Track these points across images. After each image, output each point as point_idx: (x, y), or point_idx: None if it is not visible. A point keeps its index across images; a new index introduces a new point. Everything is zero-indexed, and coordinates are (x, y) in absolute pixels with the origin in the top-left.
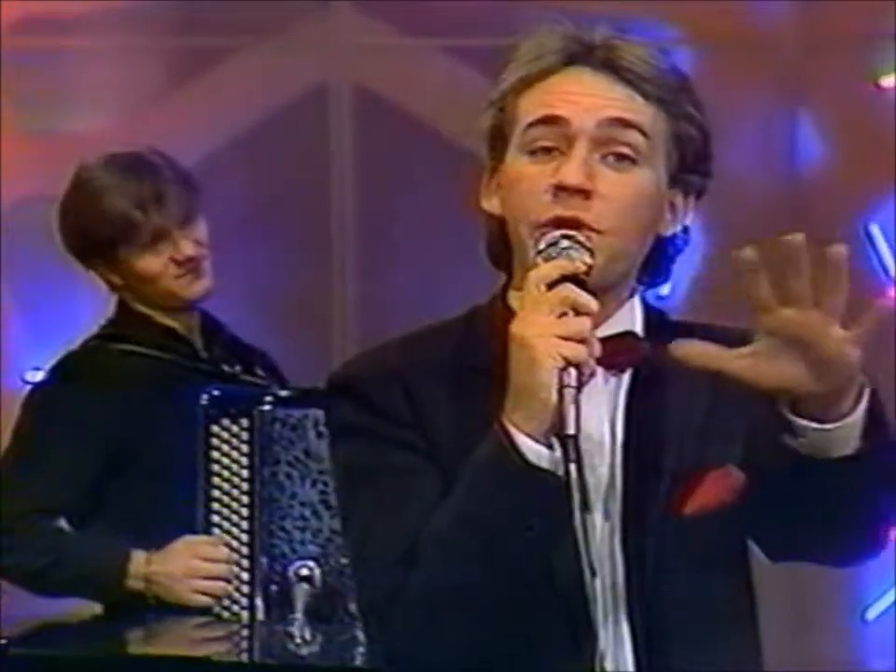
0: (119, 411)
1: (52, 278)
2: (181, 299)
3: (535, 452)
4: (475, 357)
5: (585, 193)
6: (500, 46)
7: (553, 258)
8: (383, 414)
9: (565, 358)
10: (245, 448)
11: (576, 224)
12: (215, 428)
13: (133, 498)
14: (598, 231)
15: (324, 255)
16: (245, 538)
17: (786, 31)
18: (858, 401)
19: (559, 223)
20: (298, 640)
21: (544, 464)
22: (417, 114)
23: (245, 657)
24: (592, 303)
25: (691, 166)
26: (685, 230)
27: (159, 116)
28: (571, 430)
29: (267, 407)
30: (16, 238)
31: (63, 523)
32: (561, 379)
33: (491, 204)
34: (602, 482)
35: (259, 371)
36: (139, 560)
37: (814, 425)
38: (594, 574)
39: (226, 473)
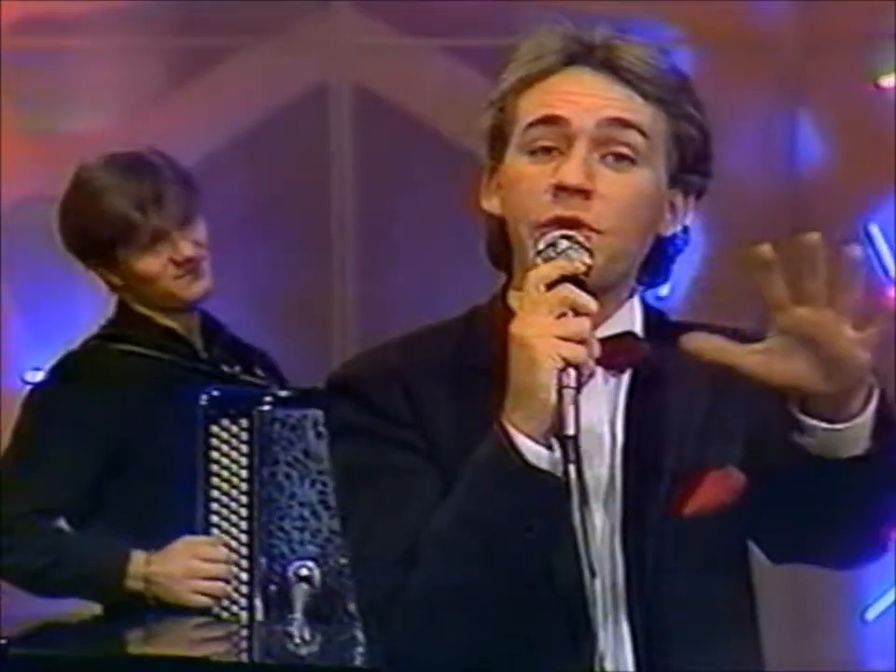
0: (119, 411)
1: (52, 278)
2: (180, 299)
3: (534, 452)
4: (475, 357)
5: (585, 193)
6: (500, 46)
7: (553, 258)
8: (382, 414)
9: (564, 359)
10: (244, 448)
11: (576, 224)
12: (214, 429)
13: (133, 499)
14: (598, 231)
15: (324, 255)
16: (244, 538)
17: (786, 31)
18: (867, 402)
19: (559, 223)
20: (297, 640)
21: (544, 464)
22: (417, 114)
23: (244, 657)
24: (591, 304)
25: (691, 166)
26: (685, 230)
27: (159, 116)
28: (571, 431)
29: (266, 407)
30: (16, 238)
31: (62, 523)
32: (560, 379)
33: (491, 204)
34: (602, 482)
35: (259, 372)
36: (138, 560)
37: (823, 424)
38: (593, 575)
39: (225, 473)
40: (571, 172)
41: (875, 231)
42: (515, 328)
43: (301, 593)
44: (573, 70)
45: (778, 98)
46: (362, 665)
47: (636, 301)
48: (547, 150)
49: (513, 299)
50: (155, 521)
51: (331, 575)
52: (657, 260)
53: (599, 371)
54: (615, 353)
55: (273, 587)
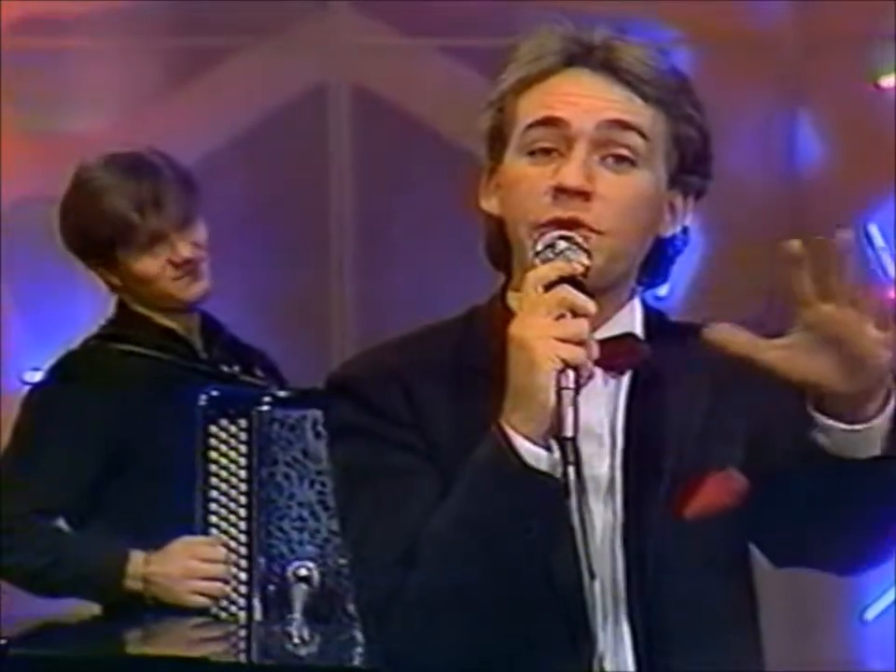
0: (119, 411)
1: (52, 278)
2: (178, 300)
3: (533, 454)
4: (474, 357)
5: (585, 195)
6: (500, 46)
7: (551, 259)
8: (381, 415)
9: (563, 360)
10: (243, 448)
11: (574, 225)
12: (213, 429)
13: (132, 498)
14: (598, 232)
15: (322, 255)
16: (243, 538)
17: (785, 31)
18: (885, 404)
19: (558, 224)
20: (296, 641)
21: (543, 466)
22: (416, 114)
23: (243, 657)
24: (589, 305)
25: (690, 167)
26: (685, 230)
27: (158, 116)
28: (569, 432)
29: (265, 407)
30: (16, 238)
31: (61, 523)
32: (559, 381)
33: (490, 205)
34: (602, 483)
35: (259, 372)
36: (137, 560)
37: (841, 425)
38: (592, 576)
39: (224, 474)
40: (571, 174)
41: (873, 230)
42: (514, 329)
43: (299, 593)
44: (573, 71)
45: (778, 98)
46: (361, 666)
47: (636, 302)
48: (546, 152)
49: (512, 299)
50: (154, 521)
51: (330, 575)
52: (656, 261)
53: (599, 372)
54: (615, 354)
55: (271, 587)
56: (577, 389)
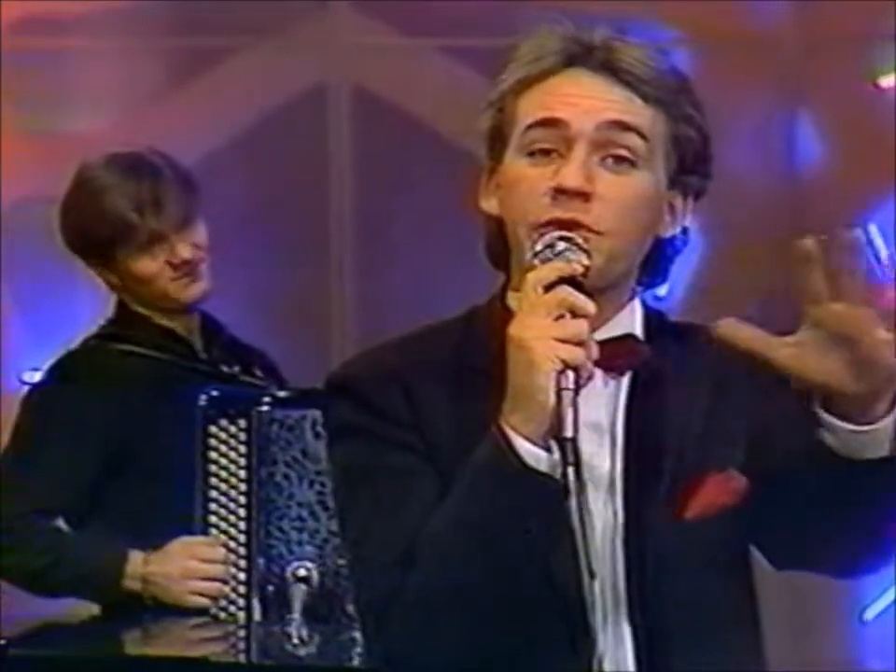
0: (118, 411)
1: (52, 278)
2: (177, 301)
3: (533, 455)
4: (474, 357)
5: (584, 196)
6: (499, 46)
7: (550, 259)
8: (381, 415)
9: (563, 361)
10: (242, 449)
11: (574, 226)
12: (213, 429)
13: (132, 499)
14: (597, 233)
15: (322, 255)
16: (242, 538)
17: (785, 31)
18: (893, 405)
19: (558, 225)
20: (295, 641)
21: (542, 467)
22: (416, 114)
23: (242, 658)
24: (589, 305)
25: (690, 168)
26: (684, 231)
27: (158, 116)
28: (569, 433)
29: (265, 408)
30: (16, 238)
31: (61, 523)
32: (559, 382)
33: (489, 205)
34: (602, 484)
35: (258, 372)
36: (136, 560)
37: (849, 426)
38: (592, 576)
39: (223, 474)
40: (571, 175)
41: (873, 230)
42: (513, 329)
43: (299, 593)
44: (572, 72)
45: (778, 98)
46: (360, 666)
47: (636, 302)
48: (546, 152)
49: (512, 299)
50: (154, 521)
51: (329, 576)
52: (656, 261)
53: (599, 373)
54: (615, 355)
55: (270, 587)
56: (576, 390)
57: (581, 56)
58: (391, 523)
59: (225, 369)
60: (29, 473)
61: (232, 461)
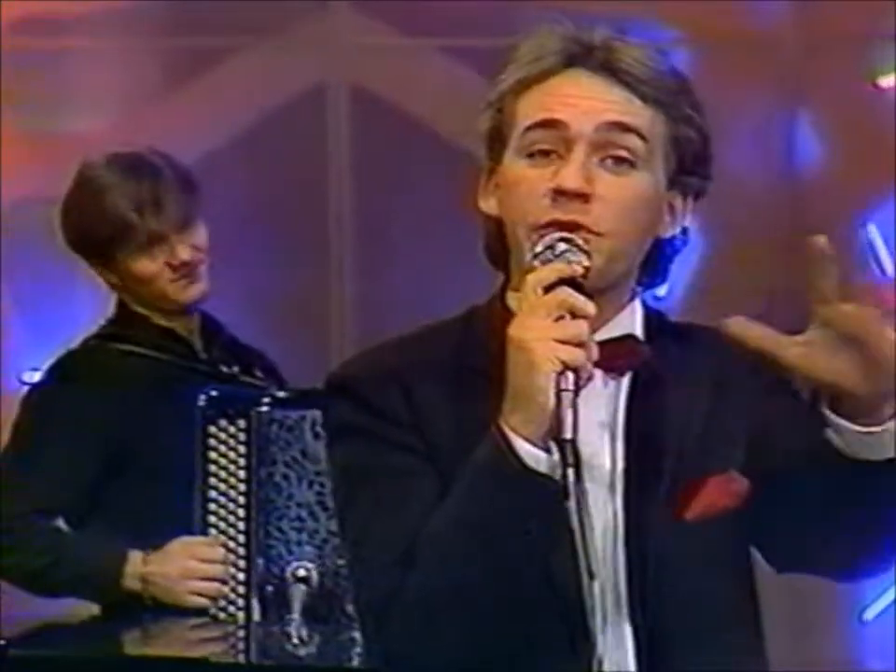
0: (118, 411)
1: (52, 278)
2: (176, 302)
3: (532, 456)
4: (474, 357)
5: (584, 197)
6: (499, 46)
7: (550, 261)
8: (380, 415)
9: (562, 362)
10: (242, 449)
11: (574, 227)
12: (212, 429)
13: (131, 498)
14: (597, 234)
15: (322, 255)
16: (241, 538)
17: (785, 31)
18: None
19: (558, 226)
20: (295, 641)
21: (542, 468)
22: (415, 114)
23: (241, 658)
24: (589, 306)
25: (689, 168)
26: (684, 231)
27: (158, 116)
28: (569, 434)
29: (264, 408)
30: (16, 238)
31: (61, 523)
32: (558, 383)
33: (489, 205)
34: (602, 485)
35: (258, 373)
36: (136, 560)
37: (856, 427)
38: (592, 577)
39: (223, 474)
40: (570, 176)
41: (872, 230)
42: (513, 330)
43: (298, 593)
44: (572, 72)
45: (778, 98)
46: (360, 666)
47: (636, 303)
48: (545, 154)
49: (512, 299)
50: (153, 521)
51: (329, 576)
52: (655, 262)
53: (599, 373)
54: (615, 356)
55: (270, 588)
56: (576, 391)
57: (581, 56)
58: (391, 523)
59: (225, 369)
60: (29, 473)
61: (232, 461)
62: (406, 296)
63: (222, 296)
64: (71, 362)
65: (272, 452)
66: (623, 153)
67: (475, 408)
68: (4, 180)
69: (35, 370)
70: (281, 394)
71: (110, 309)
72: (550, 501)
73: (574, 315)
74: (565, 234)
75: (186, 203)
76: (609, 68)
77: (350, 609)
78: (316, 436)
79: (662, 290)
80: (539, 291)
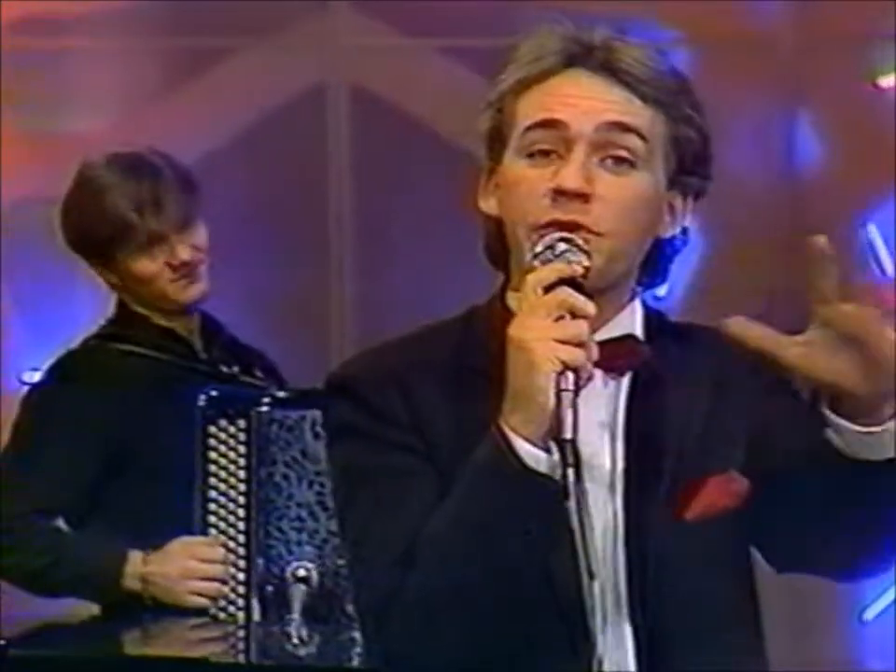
0: (118, 411)
1: (52, 278)
2: (175, 302)
3: (533, 456)
4: (473, 357)
5: (584, 197)
6: (499, 46)
7: (551, 261)
8: (380, 416)
9: (562, 362)
10: (242, 449)
11: (574, 227)
12: (212, 429)
13: (131, 498)
14: (597, 234)
15: (321, 255)
16: (241, 538)
17: (784, 31)
18: None
19: (558, 226)
20: (295, 641)
21: (542, 468)
22: (415, 114)
23: (241, 658)
24: (589, 306)
25: (689, 168)
26: (684, 231)
27: (158, 116)
28: (569, 434)
29: (264, 408)
30: (16, 238)
31: (61, 523)
32: (558, 383)
33: (488, 205)
34: (602, 485)
35: (258, 373)
36: (136, 560)
37: (856, 427)
38: (592, 577)
39: (223, 474)
40: (570, 176)
41: (872, 230)
42: (513, 330)
43: (298, 593)
44: (572, 72)
45: (777, 98)
46: (360, 666)
47: (636, 303)
48: (545, 154)
49: (512, 299)
50: (153, 521)
51: (329, 576)
52: (655, 261)
53: (599, 373)
54: (615, 356)
55: (270, 588)
56: (576, 391)
57: (581, 56)
58: (391, 523)
59: (225, 369)
60: (29, 473)
61: (232, 461)
62: (406, 296)
63: (222, 296)
64: (71, 362)
65: (272, 452)
66: (623, 153)
67: (475, 408)
68: (4, 180)
69: (35, 370)
70: (281, 394)
71: (110, 309)
72: (550, 501)
73: (574, 316)
74: (565, 234)
75: (186, 203)
76: (609, 68)
77: (350, 609)
78: (316, 436)
79: (662, 290)
80: (539, 291)
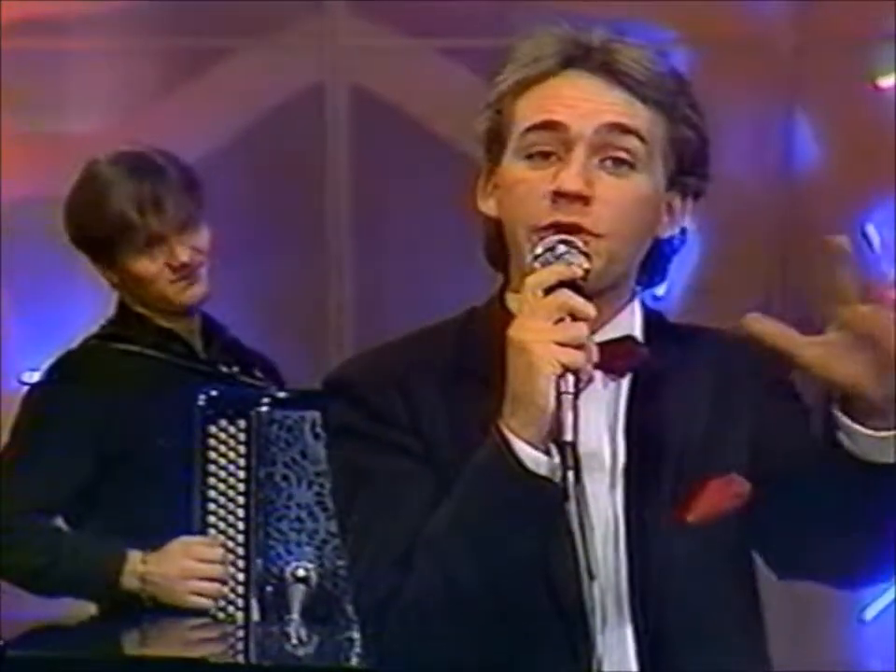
0: (118, 410)
1: (52, 278)
2: (174, 303)
3: (533, 458)
4: (473, 358)
5: (584, 199)
6: (497, 47)
7: (551, 263)
8: (378, 417)
9: (562, 364)
10: (241, 449)
11: (574, 229)
12: (212, 429)
13: (131, 498)
14: (597, 236)
15: (321, 255)
16: (241, 539)
17: (784, 32)
18: None
19: (558, 228)
20: (294, 641)
21: (542, 470)
22: (413, 115)
23: (241, 658)
24: (589, 308)
25: (688, 169)
26: (683, 231)
27: (158, 116)
28: (569, 437)
29: (264, 408)
30: (16, 238)
31: (60, 522)
32: (558, 385)
33: (487, 206)
34: (603, 486)
35: (258, 373)
36: (135, 560)
37: (867, 430)
38: (592, 578)
39: (222, 474)
40: (570, 178)
41: (871, 231)
42: (513, 332)
43: (297, 594)
44: (571, 73)
45: (776, 99)
46: (359, 666)
47: (636, 304)
48: (545, 155)
49: (511, 300)
50: (153, 521)
51: (328, 576)
52: (654, 262)
53: (599, 375)
54: (615, 357)
55: (269, 588)
56: (576, 393)
57: (580, 57)
58: (390, 524)
59: (224, 369)
60: (28, 473)
61: (231, 461)
62: (405, 296)
63: (221, 296)
64: (71, 362)
65: (271, 452)
66: (623, 155)
67: (474, 409)
68: (4, 180)
69: (35, 370)
70: (281, 394)
71: (110, 309)
72: (549, 503)
73: (574, 318)
74: (565, 236)
75: (187, 204)
76: (608, 69)
77: (349, 609)
78: (316, 436)
79: (660, 290)
80: (539, 293)
